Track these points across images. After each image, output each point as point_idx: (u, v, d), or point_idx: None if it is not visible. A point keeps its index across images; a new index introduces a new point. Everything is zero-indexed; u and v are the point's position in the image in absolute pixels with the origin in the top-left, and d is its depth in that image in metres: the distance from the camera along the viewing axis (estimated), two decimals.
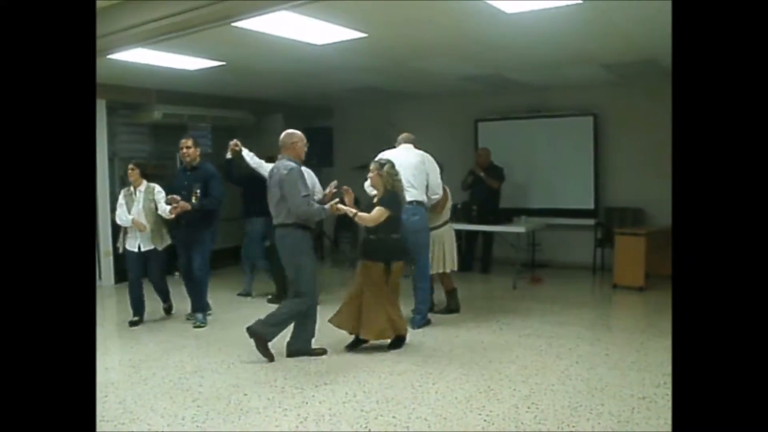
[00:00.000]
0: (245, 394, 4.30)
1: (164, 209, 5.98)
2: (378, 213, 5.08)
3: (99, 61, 5.88)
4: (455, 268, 6.42)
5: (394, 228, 5.15)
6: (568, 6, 4.74)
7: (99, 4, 4.66)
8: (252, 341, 4.99)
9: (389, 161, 5.30)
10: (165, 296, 6.60)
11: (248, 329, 4.98)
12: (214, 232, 6.44)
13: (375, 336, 5.18)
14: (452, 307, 6.54)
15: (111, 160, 8.69)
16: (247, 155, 6.84)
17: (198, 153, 6.25)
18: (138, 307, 6.29)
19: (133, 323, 6.20)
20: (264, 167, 6.92)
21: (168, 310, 6.68)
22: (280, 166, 5.01)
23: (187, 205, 5.89)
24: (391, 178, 5.19)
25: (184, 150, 6.21)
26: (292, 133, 5.18)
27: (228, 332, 5.96)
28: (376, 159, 5.41)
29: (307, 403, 4.13)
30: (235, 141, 6.59)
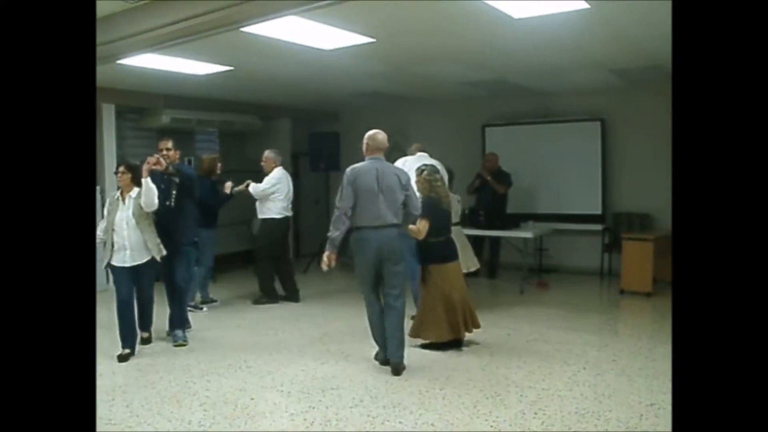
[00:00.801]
0: (252, 399, 4.31)
1: (145, 202, 5.25)
2: (422, 224, 5.13)
3: (108, 67, 5.93)
4: (474, 267, 6.81)
5: (435, 232, 5.20)
6: (575, 11, 4.74)
7: (109, 9, 4.69)
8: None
9: (429, 167, 5.41)
10: (148, 321, 5.67)
11: (393, 365, 4.82)
12: (194, 238, 6.06)
13: (434, 337, 5.34)
14: None
15: (119, 164, 8.71)
16: (254, 188, 7.17)
17: (177, 155, 5.93)
18: (131, 335, 5.35)
19: (123, 357, 5.20)
20: (266, 191, 7.13)
21: (148, 339, 5.71)
22: (392, 167, 4.96)
23: (161, 161, 5.43)
24: (428, 183, 5.28)
25: (164, 152, 5.72)
26: (384, 135, 5.02)
27: (234, 336, 5.97)
28: (417, 166, 5.52)
29: (314, 407, 4.13)
30: (248, 182, 7.15)
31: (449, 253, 5.40)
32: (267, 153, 7.44)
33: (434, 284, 5.29)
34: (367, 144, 4.99)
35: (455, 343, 5.41)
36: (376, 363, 5.00)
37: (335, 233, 4.81)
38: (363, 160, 4.97)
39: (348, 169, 4.89)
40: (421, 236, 5.13)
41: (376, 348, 5.08)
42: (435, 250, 5.27)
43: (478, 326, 5.55)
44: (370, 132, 5.02)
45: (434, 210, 5.21)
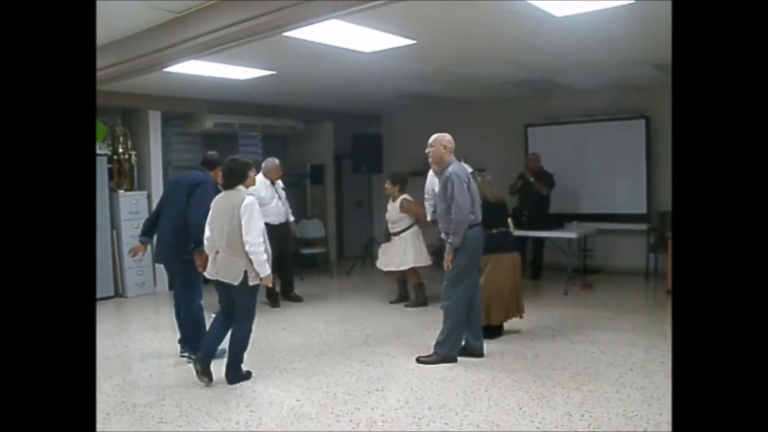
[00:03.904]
0: (297, 400, 4.34)
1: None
2: None
3: (154, 75, 6.05)
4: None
5: (489, 225, 5.41)
6: (619, 6, 4.69)
7: (155, 19, 4.80)
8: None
9: (476, 171, 5.83)
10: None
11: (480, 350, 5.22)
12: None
13: (496, 320, 5.71)
14: (420, 301, 7.29)
15: (165, 169, 8.89)
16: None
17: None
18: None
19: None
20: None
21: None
22: (463, 170, 5.06)
23: None
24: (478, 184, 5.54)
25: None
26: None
27: (279, 338, 6.03)
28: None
29: (359, 409, 4.15)
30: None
31: (505, 244, 5.71)
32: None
33: (489, 272, 5.56)
34: (446, 146, 5.10)
35: (494, 331, 5.72)
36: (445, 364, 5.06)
37: (458, 239, 4.94)
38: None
39: (458, 171, 4.97)
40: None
41: (421, 350, 5.16)
42: (490, 241, 5.42)
43: (521, 313, 5.88)
44: (441, 135, 5.14)
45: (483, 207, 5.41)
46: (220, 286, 4.70)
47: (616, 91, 8.93)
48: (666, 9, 4.85)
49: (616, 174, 9.12)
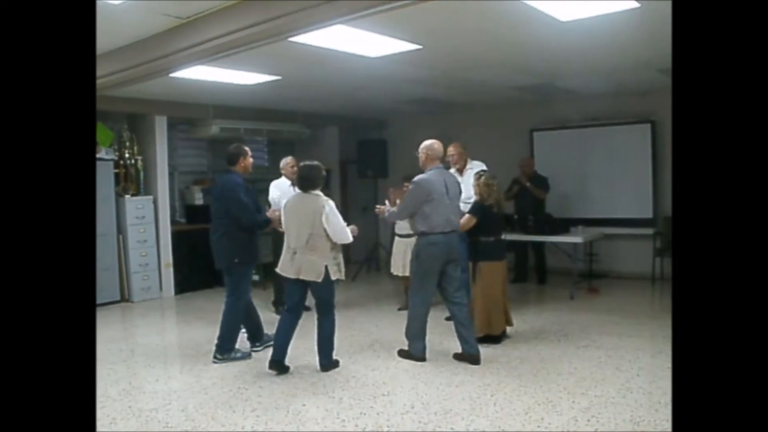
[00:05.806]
0: (303, 405, 4.34)
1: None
2: (465, 219, 5.57)
3: (160, 80, 6.08)
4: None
5: (485, 232, 5.56)
6: (624, 11, 4.68)
7: (162, 26, 4.82)
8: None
9: (484, 173, 5.79)
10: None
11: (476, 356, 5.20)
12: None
13: (476, 329, 5.50)
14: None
15: (171, 174, 8.92)
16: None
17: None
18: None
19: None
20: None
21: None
22: (454, 176, 5.29)
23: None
24: (488, 188, 5.63)
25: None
26: (440, 144, 5.26)
27: None
28: (475, 171, 5.98)
29: (365, 414, 4.15)
30: None
31: (496, 253, 5.72)
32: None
33: (480, 279, 5.60)
34: (427, 154, 5.18)
35: (491, 339, 5.67)
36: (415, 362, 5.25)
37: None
38: (412, 166, 5.11)
39: (420, 180, 5.07)
40: (463, 230, 5.48)
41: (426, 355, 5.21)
42: (484, 249, 5.58)
43: (510, 324, 5.94)
44: (427, 142, 5.23)
45: (484, 211, 5.56)
46: (296, 284, 5.03)
47: (621, 96, 8.92)
48: (669, 13, 4.87)
49: (622, 178, 9.11)
